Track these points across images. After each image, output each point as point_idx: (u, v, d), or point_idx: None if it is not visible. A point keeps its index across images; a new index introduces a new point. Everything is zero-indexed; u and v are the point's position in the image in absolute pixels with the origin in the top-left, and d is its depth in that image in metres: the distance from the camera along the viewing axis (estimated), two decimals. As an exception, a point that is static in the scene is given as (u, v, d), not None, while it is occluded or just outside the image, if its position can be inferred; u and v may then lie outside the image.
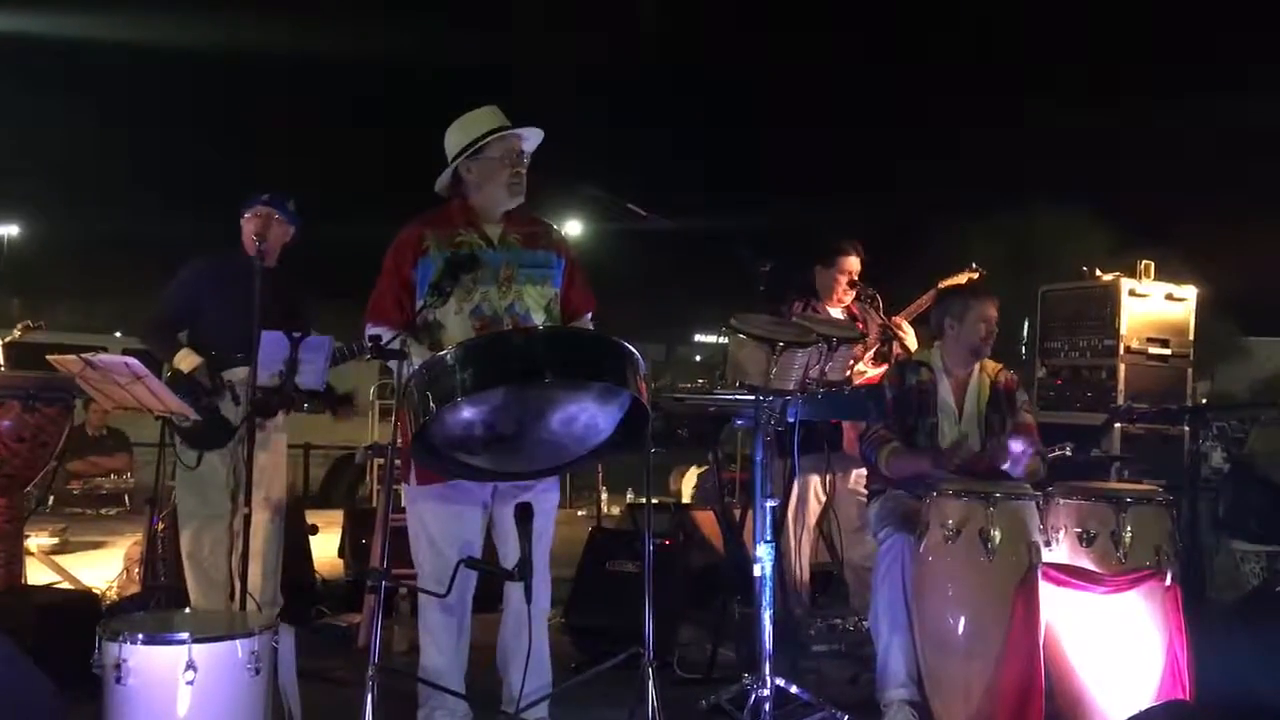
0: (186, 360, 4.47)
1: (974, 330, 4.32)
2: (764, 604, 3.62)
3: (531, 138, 3.66)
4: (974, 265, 5.69)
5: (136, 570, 5.33)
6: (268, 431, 4.53)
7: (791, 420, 3.79)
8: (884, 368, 5.04)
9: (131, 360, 4.06)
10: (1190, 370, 6.57)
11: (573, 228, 22.30)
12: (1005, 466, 4.08)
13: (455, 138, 3.63)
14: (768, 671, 3.56)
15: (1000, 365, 4.44)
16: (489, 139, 3.57)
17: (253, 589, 4.58)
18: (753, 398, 3.68)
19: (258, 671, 3.01)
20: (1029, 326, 6.99)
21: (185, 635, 2.95)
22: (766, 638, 3.60)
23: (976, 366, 4.37)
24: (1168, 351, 6.41)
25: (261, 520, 4.59)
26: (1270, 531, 5.82)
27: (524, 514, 3.14)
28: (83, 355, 4.11)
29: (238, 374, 4.42)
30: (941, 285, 5.15)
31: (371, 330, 3.54)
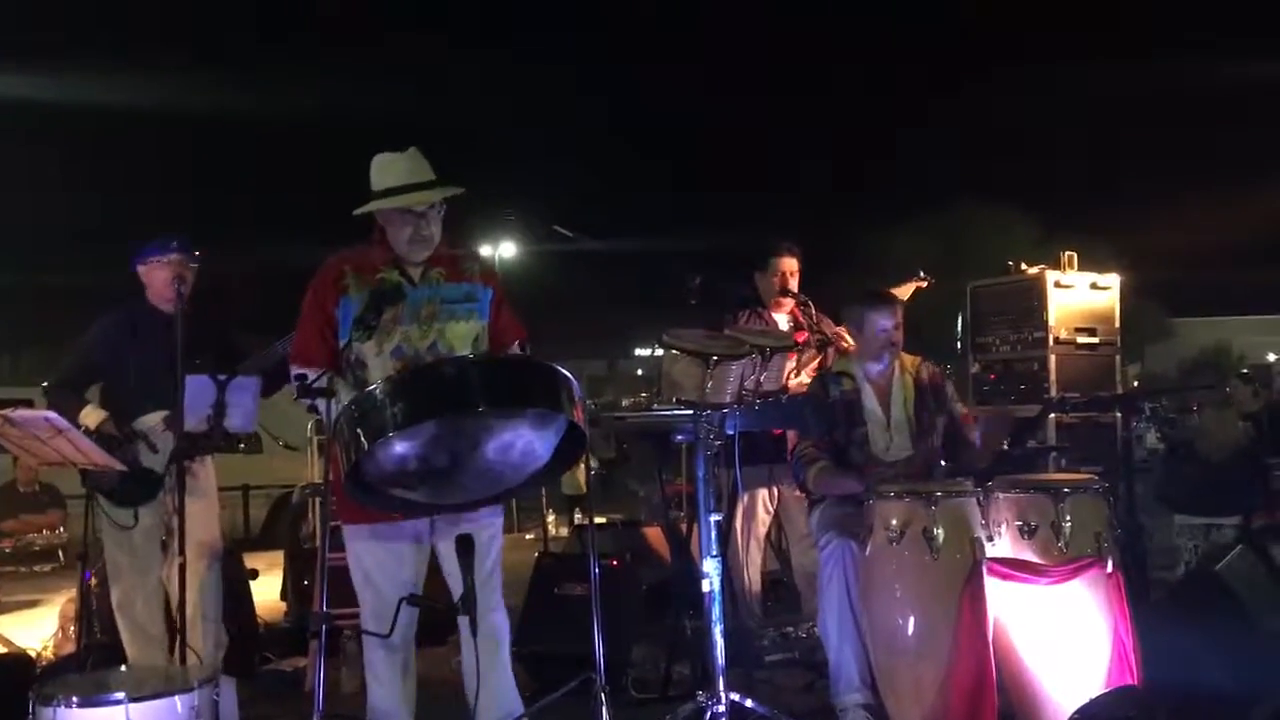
0: (91, 416, 4.35)
1: (873, 341, 4.33)
2: (714, 619, 3.61)
3: (433, 199, 3.49)
4: (921, 274, 5.71)
5: (72, 628, 5.17)
6: (197, 478, 4.43)
7: (731, 433, 3.78)
8: None
9: (52, 414, 3.95)
10: (1118, 357, 6.69)
11: (506, 249, 22.23)
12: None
13: (372, 177, 3.53)
14: (722, 687, 3.54)
15: (919, 358, 4.44)
16: (389, 197, 3.47)
17: (194, 640, 4.48)
18: (690, 413, 3.66)
19: (199, 726, 2.93)
20: (961, 322, 7.07)
21: (121, 695, 2.88)
22: (719, 653, 3.59)
23: (895, 366, 4.36)
24: (1096, 340, 6.52)
25: (197, 568, 4.48)
26: (1200, 504, 5.94)
27: (464, 546, 3.10)
28: (1, 413, 3.98)
29: (148, 421, 4.33)
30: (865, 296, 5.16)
31: (297, 371, 3.46)
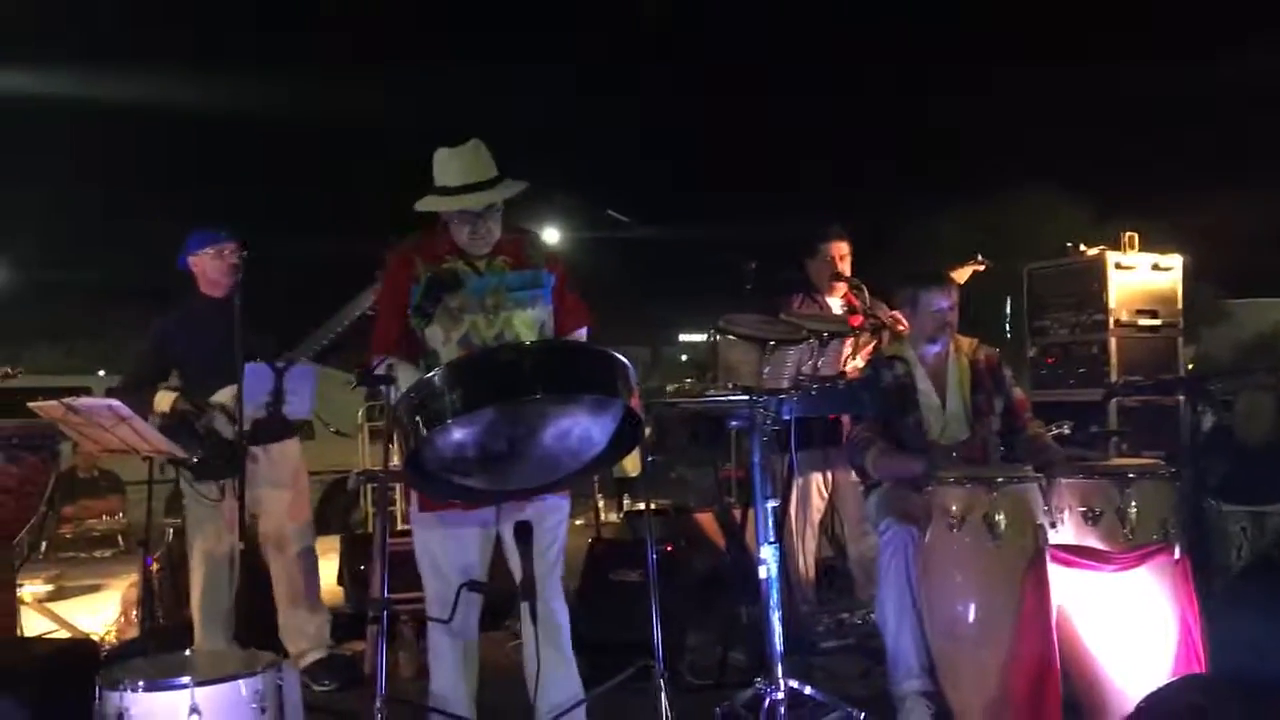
0: (164, 400, 4.44)
1: (927, 321, 4.25)
2: (772, 606, 3.58)
3: (489, 202, 3.45)
4: (979, 256, 5.63)
5: (134, 612, 5.25)
6: (276, 465, 4.55)
7: (787, 418, 3.74)
8: None
9: (114, 402, 4.01)
10: (1180, 339, 6.57)
11: (549, 235, 22.27)
12: None
13: (434, 169, 3.51)
14: (780, 674, 3.51)
15: (975, 342, 4.36)
16: (445, 197, 3.46)
17: (298, 631, 4.55)
18: (747, 398, 3.63)
19: (263, 710, 2.96)
20: (1011, 306, 6.97)
21: (187, 679, 2.89)
22: (776, 640, 3.56)
23: (950, 349, 4.28)
24: (1157, 322, 6.41)
25: (285, 554, 4.57)
26: (1239, 492, 5.80)
27: (523, 533, 3.10)
28: (64, 400, 4.04)
29: (223, 396, 4.37)
30: (915, 276, 5.08)
31: (376, 363, 3.49)
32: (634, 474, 9.08)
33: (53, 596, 6.88)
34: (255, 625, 4.40)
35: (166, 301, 4.85)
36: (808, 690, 3.61)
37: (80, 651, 4.53)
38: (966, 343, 4.33)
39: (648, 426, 3.37)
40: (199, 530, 4.55)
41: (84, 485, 9.95)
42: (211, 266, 4.56)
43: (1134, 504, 3.75)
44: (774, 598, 3.60)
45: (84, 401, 4.07)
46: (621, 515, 8.37)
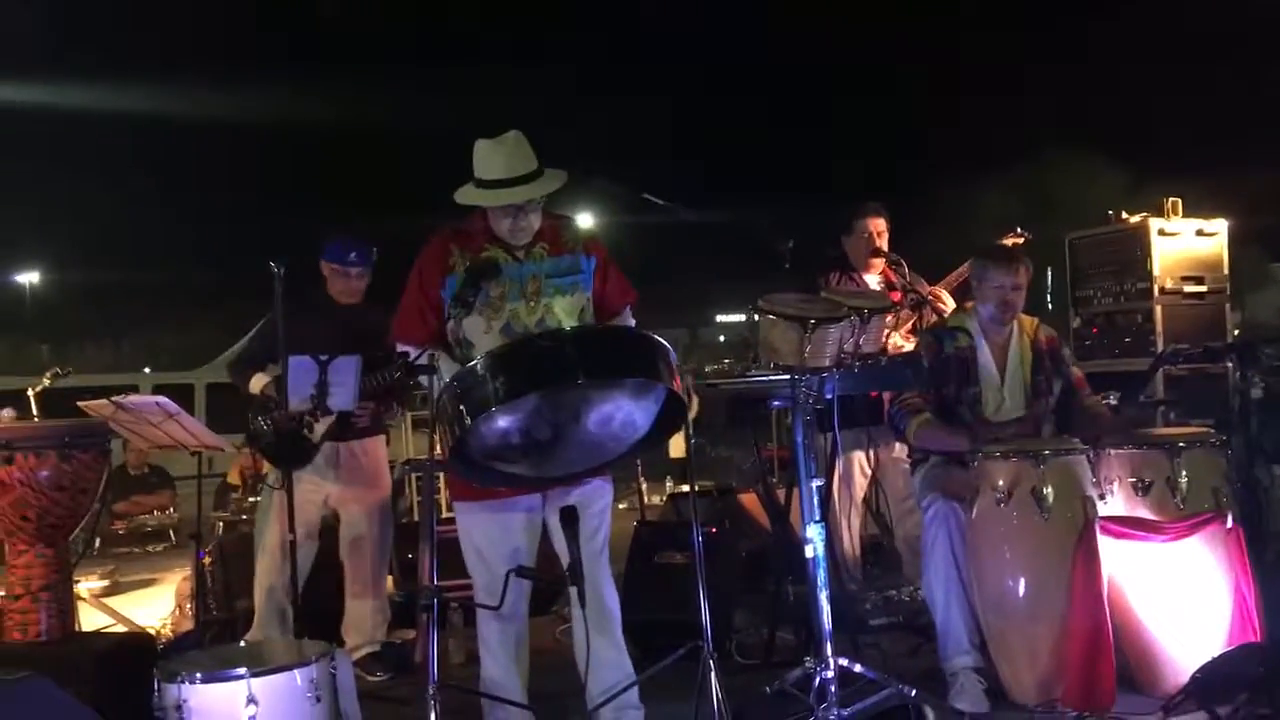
0: (257, 382, 4.53)
1: (986, 296, 4.19)
2: (819, 585, 3.57)
3: (530, 196, 3.44)
4: (1019, 229, 5.55)
5: (188, 605, 5.34)
6: (359, 460, 4.63)
7: (830, 397, 3.72)
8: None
9: (162, 399, 4.07)
10: (1227, 305, 6.46)
11: (584, 219, 22.28)
12: None
13: (474, 161, 3.49)
14: (830, 652, 3.51)
15: (1037, 322, 4.30)
16: (485, 190, 3.45)
17: (357, 627, 4.64)
18: (788, 377, 3.62)
19: (319, 699, 3.00)
20: (1051, 276, 6.88)
21: (243, 670, 2.94)
22: (825, 618, 3.55)
23: (1015, 327, 4.22)
24: (1203, 288, 6.30)
25: (356, 547, 4.65)
26: None
27: (569, 517, 3.11)
28: (113, 399, 4.11)
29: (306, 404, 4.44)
30: (982, 253, 5.02)
31: (400, 349, 3.51)
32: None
33: (108, 592, 7.00)
34: (317, 616, 4.49)
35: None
36: (858, 668, 3.60)
37: (137, 645, 4.61)
38: (1029, 323, 4.27)
39: (691, 410, 3.36)
40: (263, 517, 4.63)
41: (135, 482, 10.10)
42: (333, 280, 4.68)
43: (1184, 473, 3.71)
44: (821, 576, 3.59)
45: (133, 399, 4.13)
46: (665, 498, 8.38)
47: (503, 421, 3.04)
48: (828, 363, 3.59)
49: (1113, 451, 3.84)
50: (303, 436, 4.40)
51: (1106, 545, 3.59)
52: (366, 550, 4.71)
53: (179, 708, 2.91)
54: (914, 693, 3.49)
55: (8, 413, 5.15)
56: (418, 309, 3.54)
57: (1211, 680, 3.48)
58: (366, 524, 4.69)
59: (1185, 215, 6.37)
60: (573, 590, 3.08)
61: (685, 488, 6.46)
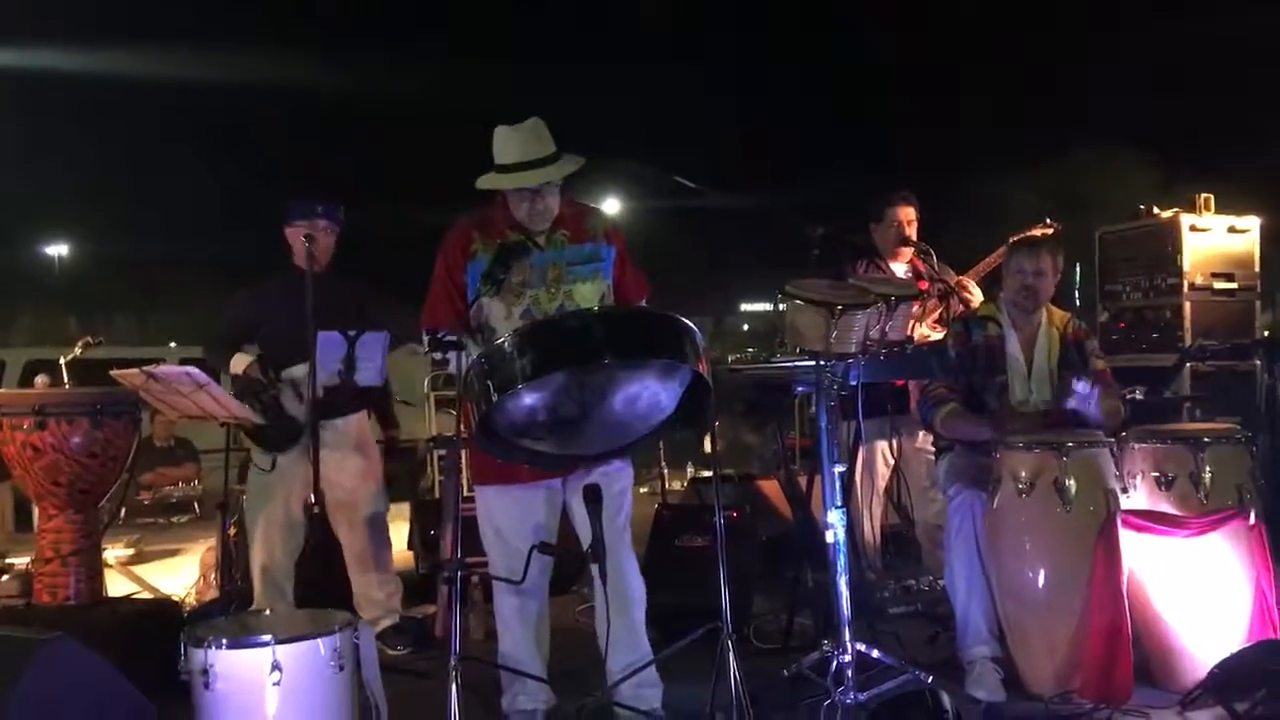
0: (240, 362, 4.53)
1: (1010, 282, 4.21)
2: (839, 570, 3.58)
3: (546, 179, 3.47)
4: (1047, 220, 5.53)
5: (213, 575, 5.40)
6: (344, 433, 4.61)
7: (854, 383, 3.73)
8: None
9: (193, 370, 4.11)
10: (1258, 302, 6.42)
11: (610, 205, 22.28)
12: (1074, 406, 3.97)
13: (494, 147, 3.53)
14: (848, 637, 3.52)
15: (1068, 315, 4.31)
16: (503, 174, 3.48)
17: (368, 599, 4.66)
18: (813, 363, 3.63)
19: (341, 668, 3.04)
20: (1080, 271, 6.84)
21: (269, 637, 2.98)
22: (844, 603, 3.57)
23: (1044, 318, 4.23)
24: (1233, 285, 6.26)
25: (352, 520, 4.66)
26: None
27: (593, 495, 3.14)
28: (144, 369, 4.15)
29: (295, 372, 4.45)
30: (1012, 241, 5.01)
31: (425, 336, 3.54)
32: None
33: (133, 560, 7.08)
34: (324, 594, 4.52)
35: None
36: (875, 654, 3.61)
37: (163, 612, 4.69)
38: (1059, 315, 4.28)
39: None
40: (254, 499, 4.64)
41: (161, 454, 10.21)
42: (295, 239, 4.57)
43: (1208, 469, 3.71)
44: (841, 562, 3.60)
45: (163, 369, 4.18)
46: (686, 483, 8.41)
47: (529, 399, 3.07)
48: (853, 349, 3.60)
49: (1136, 445, 3.84)
50: (290, 416, 4.43)
51: (1128, 539, 3.59)
52: (363, 523, 4.70)
53: (205, 672, 2.96)
54: (931, 679, 3.50)
55: (41, 379, 5.23)
56: (446, 294, 3.58)
57: (1230, 676, 3.48)
58: (359, 497, 4.69)
59: (1217, 212, 6.33)
60: (594, 568, 3.11)
61: (707, 473, 6.48)
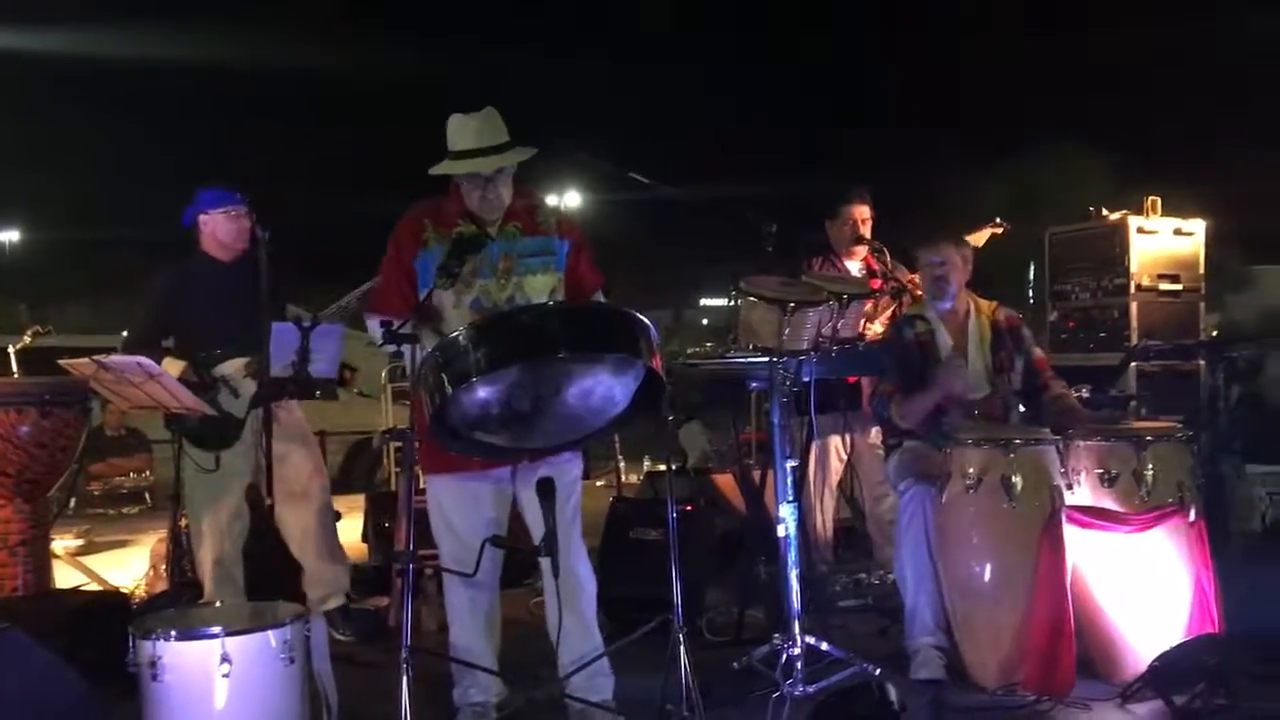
0: (172, 367, 4.43)
1: (923, 278, 4.40)
2: (790, 564, 3.63)
3: (498, 165, 3.50)
4: (998, 220, 5.62)
5: (163, 567, 5.36)
6: (284, 424, 4.56)
7: (807, 380, 3.78)
8: None
9: (144, 359, 4.07)
10: (1202, 304, 6.55)
11: (571, 199, 22.24)
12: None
13: (448, 134, 3.55)
14: (798, 630, 3.57)
15: (996, 305, 4.42)
16: (456, 161, 3.50)
17: (316, 579, 4.63)
18: (767, 360, 3.67)
19: (292, 660, 3.03)
20: (1034, 270, 6.95)
21: (218, 629, 2.97)
22: (795, 597, 3.62)
23: (971, 308, 4.34)
24: (1179, 287, 6.38)
25: (298, 511, 4.63)
26: (1266, 451, 5.78)
27: (545, 489, 3.15)
28: (95, 358, 4.11)
29: (228, 368, 4.43)
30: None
31: (369, 320, 3.58)
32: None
33: (83, 551, 7.00)
34: (272, 583, 4.49)
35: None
36: (824, 646, 3.66)
37: (112, 603, 4.65)
38: (987, 305, 4.38)
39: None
40: (199, 498, 4.57)
41: (112, 444, 10.09)
42: (224, 229, 4.52)
43: (1150, 466, 3.79)
44: (793, 556, 3.65)
45: (114, 359, 4.14)
46: (643, 476, 8.43)
47: (483, 392, 3.08)
48: (805, 346, 3.65)
49: (1081, 443, 3.91)
50: (228, 415, 4.39)
51: (1072, 534, 3.66)
52: (306, 509, 4.66)
53: (153, 664, 2.94)
54: (878, 671, 3.56)
55: (-12, 368, 5.16)
56: (396, 282, 3.59)
57: (1169, 669, 3.56)
58: (304, 484, 4.66)
59: (1164, 215, 6.45)
60: (545, 561, 3.13)
61: (663, 466, 6.50)
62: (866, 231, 5.32)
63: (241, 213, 4.53)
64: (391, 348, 3.30)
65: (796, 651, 3.55)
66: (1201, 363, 5.73)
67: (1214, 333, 7.32)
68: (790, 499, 3.68)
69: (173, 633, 2.98)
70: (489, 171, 3.50)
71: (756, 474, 5.26)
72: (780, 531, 3.67)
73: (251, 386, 4.33)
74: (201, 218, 4.56)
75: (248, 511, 4.55)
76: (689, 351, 4.06)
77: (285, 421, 4.59)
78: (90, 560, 6.51)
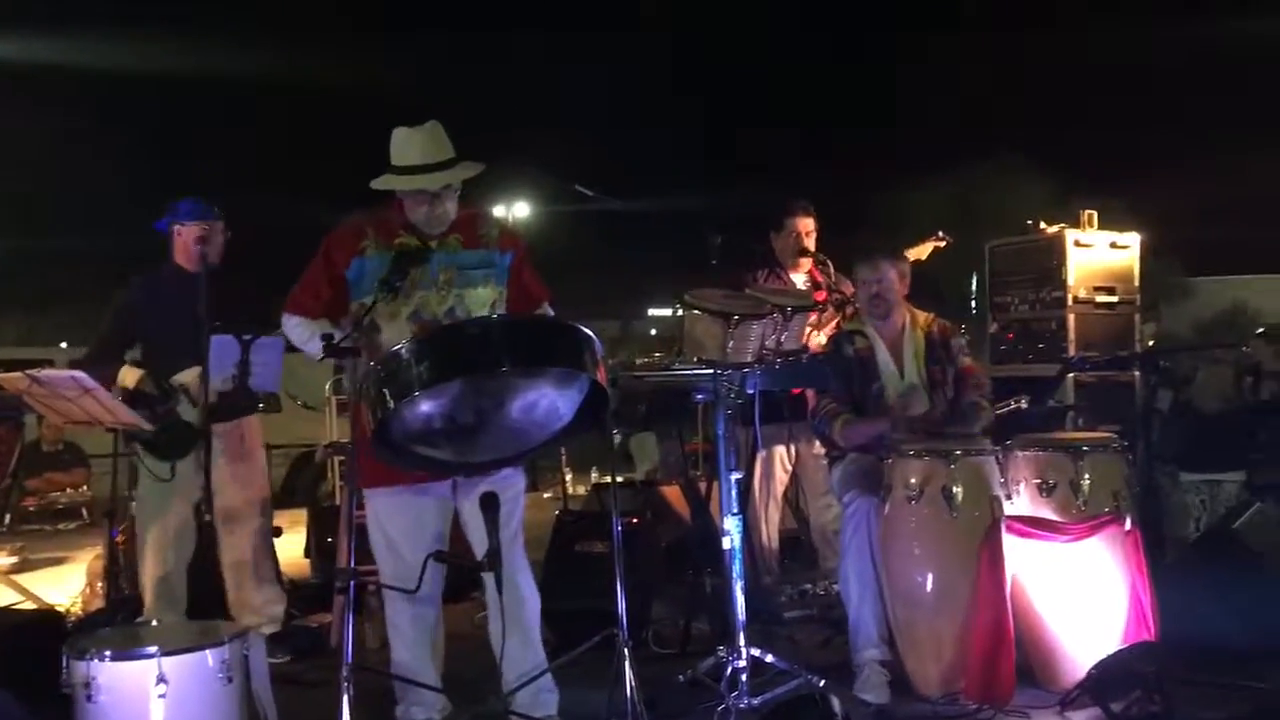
0: (129, 376, 4.41)
1: (860, 293, 4.42)
2: (735, 576, 3.64)
3: (446, 182, 3.48)
4: (940, 234, 5.69)
5: (99, 584, 5.26)
6: (242, 441, 4.54)
7: (751, 391, 3.80)
8: None
9: (79, 374, 4.01)
10: (1137, 316, 6.68)
11: (520, 209, 22.19)
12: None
13: (390, 150, 3.51)
14: (742, 642, 3.58)
15: (932, 316, 4.45)
16: (402, 176, 3.47)
17: (244, 599, 4.55)
18: (711, 372, 3.68)
19: (230, 680, 3.00)
20: (977, 281, 7.04)
21: (154, 649, 2.93)
22: (739, 609, 3.63)
23: (907, 321, 4.37)
24: (1115, 299, 6.50)
25: (242, 530, 4.57)
26: (1198, 460, 5.93)
27: (489, 503, 3.13)
28: (28, 373, 4.04)
29: (186, 376, 4.36)
30: (906, 254, 5.15)
31: (286, 319, 3.55)
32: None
33: (17, 569, 6.85)
34: (211, 602, 4.43)
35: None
36: (769, 658, 3.67)
37: (46, 622, 4.54)
38: (923, 317, 4.42)
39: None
40: (150, 508, 4.52)
41: (48, 459, 9.90)
42: (186, 239, 4.49)
43: (1087, 476, 3.85)
44: (737, 568, 3.66)
45: (48, 374, 4.07)
46: (590, 488, 8.42)
47: (426, 406, 3.06)
48: (750, 358, 3.67)
49: (1020, 453, 3.97)
50: (186, 424, 4.35)
51: (1011, 543, 3.71)
52: (246, 529, 4.62)
53: (87, 685, 2.89)
54: (822, 683, 3.58)
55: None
56: (314, 282, 3.56)
57: (1107, 677, 3.61)
58: (244, 503, 4.62)
59: (1101, 228, 6.58)
60: (489, 576, 3.11)
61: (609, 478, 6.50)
62: (810, 244, 5.36)
63: (213, 227, 4.51)
64: (331, 361, 3.27)
65: (741, 664, 3.56)
66: (1137, 373, 5.85)
67: (1150, 343, 7.46)
68: (735, 510, 3.69)
69: (108, 653, 2.94)
70: (436, 188, 3.47)
71: (702, 485, 5.28)
72: (725, 544, 3.68)
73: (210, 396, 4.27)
74: (174, 227, 4.54)
75: (194, 528, 4.49)
76: (637, 363, 4.06)
77: (232, 437, 4.54)
78: (25, 578, 6.38)
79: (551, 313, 3.74)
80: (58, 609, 5.19)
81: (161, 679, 2.87)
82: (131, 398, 4.38)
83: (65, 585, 6.24)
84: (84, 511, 9.81)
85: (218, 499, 4.45)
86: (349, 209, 3.70)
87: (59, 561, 7.63)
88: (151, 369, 4.42)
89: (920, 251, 5.36)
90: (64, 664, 2.97)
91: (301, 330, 3.54)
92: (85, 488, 9.91)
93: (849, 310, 5.19)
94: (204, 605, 4.29)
